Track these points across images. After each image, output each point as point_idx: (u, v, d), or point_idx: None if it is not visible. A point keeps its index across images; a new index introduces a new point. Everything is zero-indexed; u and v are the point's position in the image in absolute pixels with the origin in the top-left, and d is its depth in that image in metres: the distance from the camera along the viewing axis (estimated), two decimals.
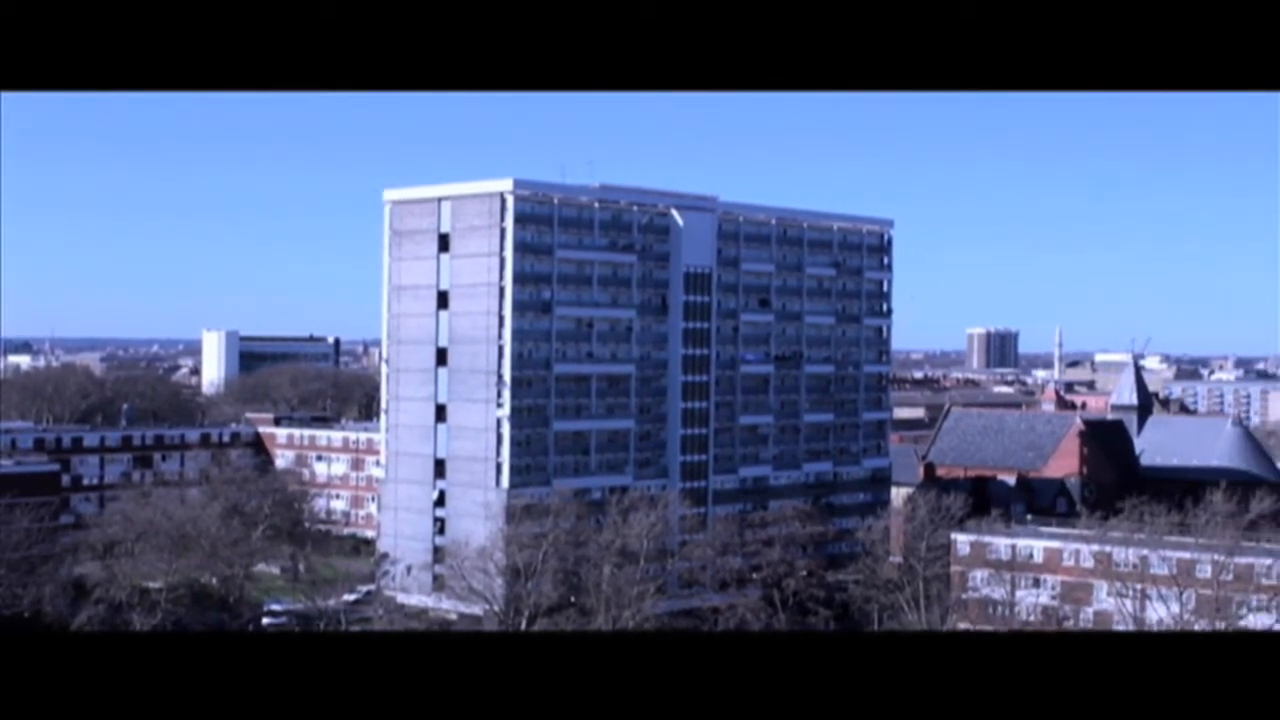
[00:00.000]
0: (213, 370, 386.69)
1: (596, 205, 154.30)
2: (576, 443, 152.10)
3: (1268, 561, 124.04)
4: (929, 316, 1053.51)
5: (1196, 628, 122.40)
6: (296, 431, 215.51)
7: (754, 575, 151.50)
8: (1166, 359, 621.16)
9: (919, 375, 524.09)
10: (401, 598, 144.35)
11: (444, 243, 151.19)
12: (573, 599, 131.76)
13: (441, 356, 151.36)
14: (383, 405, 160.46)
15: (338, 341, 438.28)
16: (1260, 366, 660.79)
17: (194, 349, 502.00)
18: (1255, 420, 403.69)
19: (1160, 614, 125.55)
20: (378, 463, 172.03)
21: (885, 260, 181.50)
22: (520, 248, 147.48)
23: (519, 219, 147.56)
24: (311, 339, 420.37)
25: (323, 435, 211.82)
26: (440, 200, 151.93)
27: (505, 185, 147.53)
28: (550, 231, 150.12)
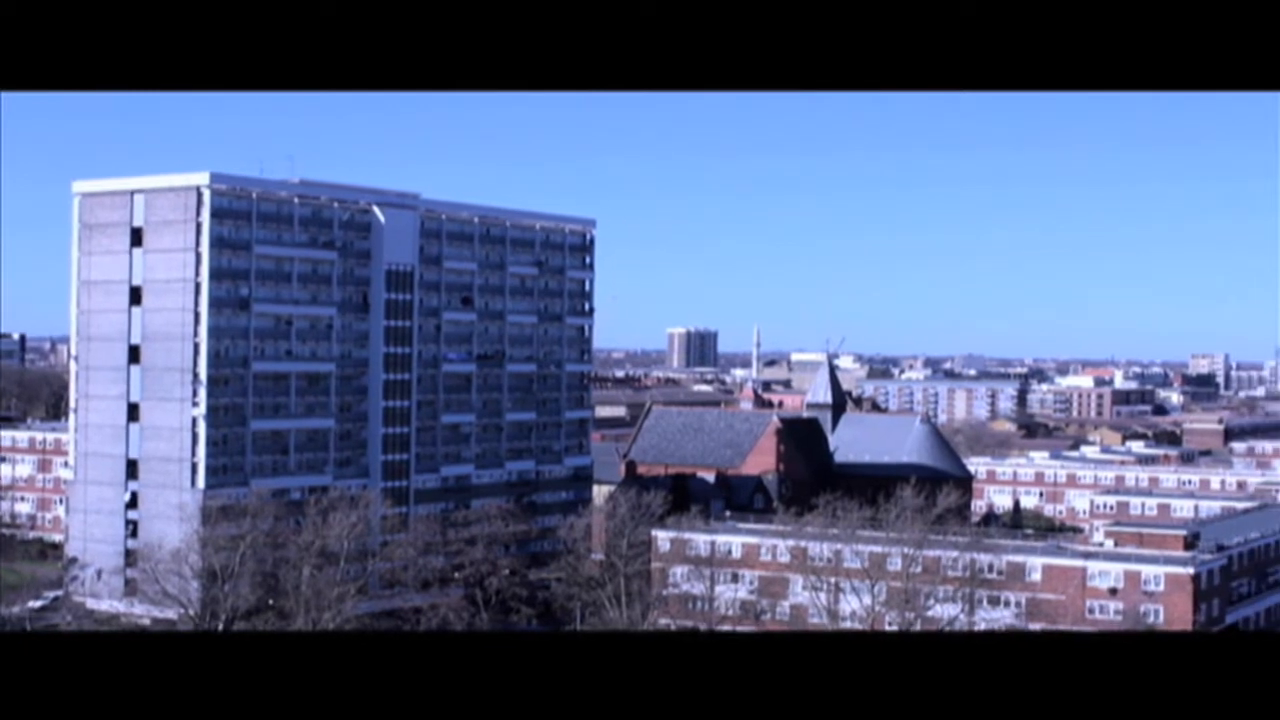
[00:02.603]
0: None
1: (296, 201, 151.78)
2: (275, 442, 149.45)
3: (953, 554, 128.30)
4: (630, 316, 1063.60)
5: (887, 619, 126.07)
6: None
7: (456, 574, 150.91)
8: (859, 358, 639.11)
9: (620, 374, 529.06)
10: (91, 603, 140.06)
11: (137, 237, 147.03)
12: (271, 601, 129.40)
13: (134, 354, 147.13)
14: (72, 404, 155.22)
15: (23, 338, 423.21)
16: (947, 366, 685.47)
17: None
18: (942, 418, 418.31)
19: (853, 606, 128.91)
20: (66, 464, 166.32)
21: (587, 260, 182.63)
22: (217, 243, 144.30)
23: (216, 213, 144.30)
24: None
25: (7, 435, 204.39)
26: (133, 193, 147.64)
27: (201, 179, 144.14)
28: (248, 227, 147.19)
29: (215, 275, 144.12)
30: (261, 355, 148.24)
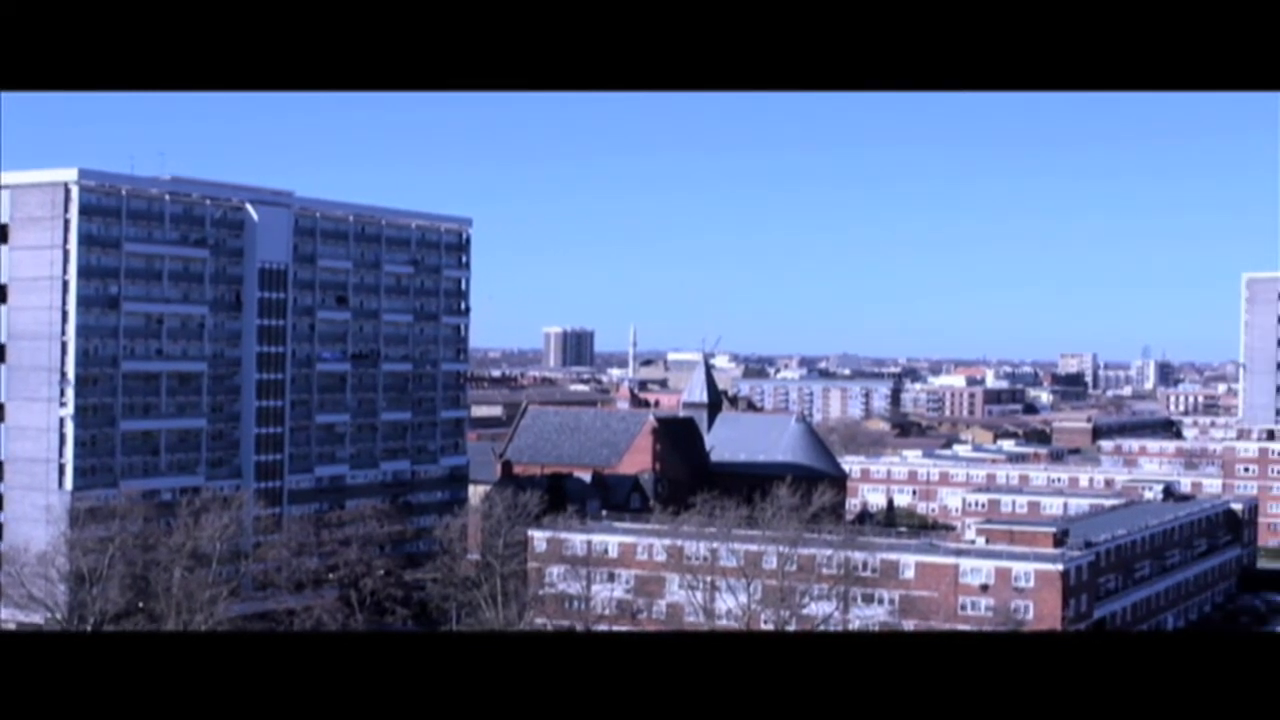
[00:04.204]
0: None
1: (167, 198, 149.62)
2: (145, 442, 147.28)
3: (828, 552, 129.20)
4: (506, 315, 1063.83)
5: (763, 618, 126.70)
6: None
7: (331, 576, 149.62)
8: (735, 358, 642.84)
9: (497, 374, 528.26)
10: None
11: (2, 234, 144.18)
12: (141, 604, 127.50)
13: (0, 353, 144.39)
14: None
15: None
16: (822, 366, 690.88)
17: None
18: (818, 417, 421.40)
19: (729, 604, 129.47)
20: None
21: (463, 259, 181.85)
22: (85, 240, 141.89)
23: (84, 210, 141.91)
24: None
25: None
26: None
27: (70, 175, 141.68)
28: (118, 224, 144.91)
29: (84, 273, 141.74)
30: (131, 354, 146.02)
